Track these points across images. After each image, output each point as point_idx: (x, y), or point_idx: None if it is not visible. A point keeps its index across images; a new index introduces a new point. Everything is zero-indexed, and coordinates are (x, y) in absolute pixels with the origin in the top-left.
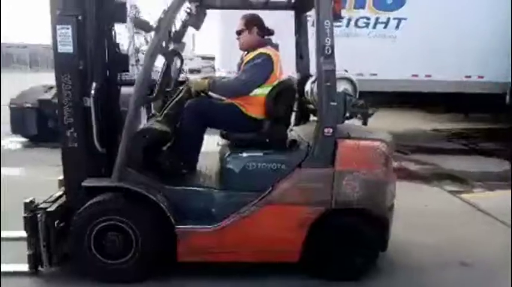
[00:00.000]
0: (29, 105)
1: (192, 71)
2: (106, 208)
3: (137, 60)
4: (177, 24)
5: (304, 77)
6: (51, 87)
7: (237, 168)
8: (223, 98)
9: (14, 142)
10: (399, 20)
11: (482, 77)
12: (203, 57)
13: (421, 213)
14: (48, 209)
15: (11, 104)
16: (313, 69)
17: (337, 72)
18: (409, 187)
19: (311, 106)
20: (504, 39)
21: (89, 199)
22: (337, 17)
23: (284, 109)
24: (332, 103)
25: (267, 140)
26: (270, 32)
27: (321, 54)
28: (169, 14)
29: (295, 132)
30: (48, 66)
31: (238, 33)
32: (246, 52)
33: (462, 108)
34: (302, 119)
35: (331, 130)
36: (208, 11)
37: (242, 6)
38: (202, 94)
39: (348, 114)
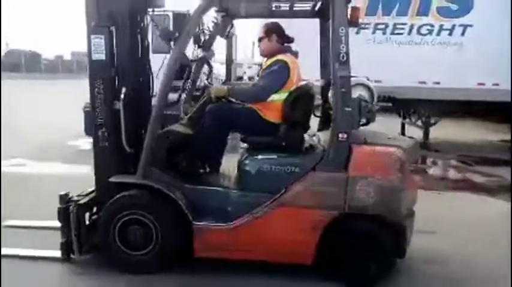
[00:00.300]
0: None
1: (250, 79)
2: (130, 202)
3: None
4: (206, 33)
5: (328, 83)
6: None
7: (252, 170)
8: (242, 103)
9: (87, 143)
10: (465, 26)
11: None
12: (261, 65)
13: (481, 224)
14: (80, 202)
15: (85, 107)
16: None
17: (355, 78)
18: (472, 198)
19: (331, 112)
20: None
21: (116, 194)
22: (355, 24)
23: (301, 114)
24: (347, 109)
25: (284, 144)
26: (290, 40)
27: (336, 60)
28: (190, 24)
29: (317, 137)
30: None
31: (259, 40)
32: (266, 59)
33: None
34: (326, 124)
35: (345, 135)
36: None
37: (266, 15)
38: (223, 100)
39: (364, 120)
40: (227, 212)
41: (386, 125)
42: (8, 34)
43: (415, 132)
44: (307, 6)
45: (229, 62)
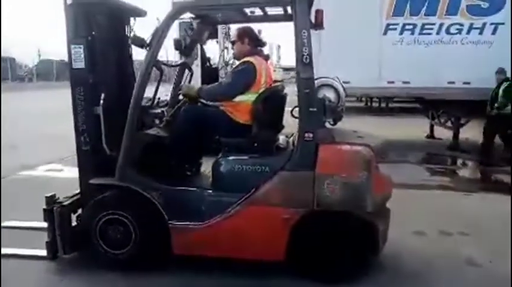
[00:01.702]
0: None
1: (275, 82)
2: (108, 203)
3: (226, 73)
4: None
5: None
6: (151, 100)
7: (224, 170)
8: (215, 104)
9: None
10: (496, 25)
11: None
12: (284, 69)
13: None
14: (63, 203)
15: None
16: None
17: (320, 79)
18: (501, 199)
19: None
20: None
21: (97, 196)
22: (319, 27)
23: (272, 115)
24: (311, 109)
25: (255, 145)
26: (262, 43)
27: (299, 62)
28: (159, 32)
29: (294, 138)
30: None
31: (232, 43)
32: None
33: None
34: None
35: (311, 135)
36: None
37: (242, 20)
38: (195, 101)
39: (331, 121)
40: (201, 211)
41: (415, 126)
42: (40, 43)
43: (444, 133)
44: (280, 10)
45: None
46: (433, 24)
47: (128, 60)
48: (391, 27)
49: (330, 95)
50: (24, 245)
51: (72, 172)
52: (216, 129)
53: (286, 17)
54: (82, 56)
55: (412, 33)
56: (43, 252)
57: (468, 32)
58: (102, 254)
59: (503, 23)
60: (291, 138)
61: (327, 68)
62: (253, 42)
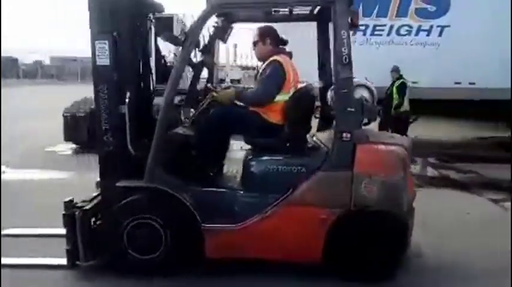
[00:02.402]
0: (81, 114)
1: (232, 81)
2: (138, 206)
3: (182, 71)
4: (206, 37)
5: (326, 85)
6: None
7: (258, 171)
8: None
9: (65, 148)
10: (442, 27)
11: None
12: (243, 68)
13: (460, 220)
14: (85, 208)
15: (64, 113)
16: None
17: (356, 79)
18: (450, 194)
19: (333, 113)
20: None
21: (122, 199)
22: (355, 27)
23: (303, 115)
24: (349, 109)
25: (287, 145)
26: (284, 42)
27: (339, 62)
28: (195, 29)
29: (317, 138)
30: None
31: (254, 44)
32: (262, 63)
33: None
34: (325, 125)
35: (349, 135)
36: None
37: (265, 19)
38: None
39: (366, 120)
40: (235, 213)
41: None
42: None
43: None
44: (306, 10)
45: (211, 64)
46: (384, 25)
47: (148, 58)
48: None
49: (365, 95)
50: (28, 254)
51: (16, 174)
52: (248, 130)
53: (311, 17)
54: (107, 52)
55: (364, 34)
56: (58, 260)
57: (417, 34)
58: (128, 260)
59: (448, 26)
60: (314, 137)
61: None
62: (275, 42)
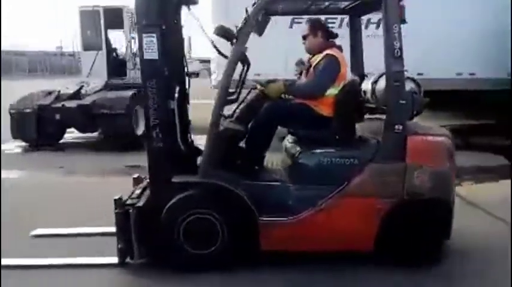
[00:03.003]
0: (28, 110)
1: (190, 75)
2: (194, 201)
3: (135, 65)
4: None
5: (359, 77)
6: (50, 93)
7: (311, 163)
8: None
9: (14, 147)
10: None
11: (474, 74)
12: (201, 61)
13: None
14: (138, 205)
15: (10, 110)
16: (367, 69)
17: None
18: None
19: (368, 105)
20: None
21: (176, 194)
22: (403, 21)
23: (353, 107)
24: (401, 101)
25: (337, 137)
26: (334, 35)
27: (391, 56)
28: (250, 22)
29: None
30: (47, 72)
31: (304, 37)
32: (310, 56)
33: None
34: (360, 116)
35: (401, 127)
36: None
37: (301, 12)
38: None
39: (415, 112)
40: (289, 206)
41: None
42: None
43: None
44: (345, 3)
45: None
46: (336, 18)
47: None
48: (296, 20)
49: (413, 87)
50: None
51: None
52: (298, 123)
53: (344, 10)
54: (155, 46)
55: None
56: (107, 259)
57: (366, 27)
58: (185, 256)
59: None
60: None
61: None
62: (326, 35)
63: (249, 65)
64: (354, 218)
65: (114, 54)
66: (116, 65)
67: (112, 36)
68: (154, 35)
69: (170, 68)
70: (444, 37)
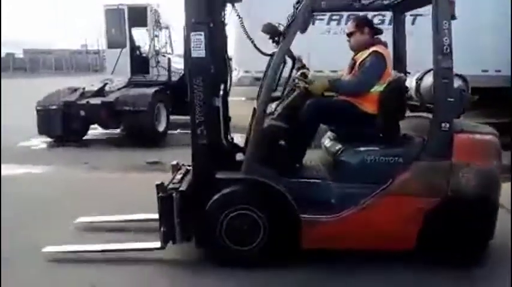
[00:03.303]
0: (54, 107)
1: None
2: (237, 197)
3: (158, 62)
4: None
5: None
6: (75, 90)
7: (355, 161)
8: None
9: (39, 142)
10: (415, 16)
11: (499, 71)
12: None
13: None
14: (181, 189)
15: (37, 106)
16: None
17: None
18: None
19: (410, 102)
20: None
21: (218, 190)
22: (453, 17)
23: (398, 105)
24: (449, 99)
25: (381, 135)
26: (379, 32)
27: (439, 52)
28: (298, 19)
29: None
30: (72, 70)
31: (349, 35)
32: (355, 52)
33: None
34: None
35: (447, 125)
36: None
37: (344, 8)
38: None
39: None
40: (331, 203)
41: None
42: None
43: None
44: (394, 0)
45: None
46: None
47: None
48: (318, 17)
49: (461, 84)
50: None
51: None
52: (341, 120)
53: (387, 7)
54: (203, 44)
55: (339, 24)
56: (150, 244)
57: (390, 23)
58: (226, 251)
59: (421, 15)
60: None
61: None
62: (371, 32)
63: (295, 61)
64: (396, 217)
65: (138, 52)
66: (139, 63)
67: (135, 34)
68: (202, 33)
69: (216, 66)
70: (470, 34)
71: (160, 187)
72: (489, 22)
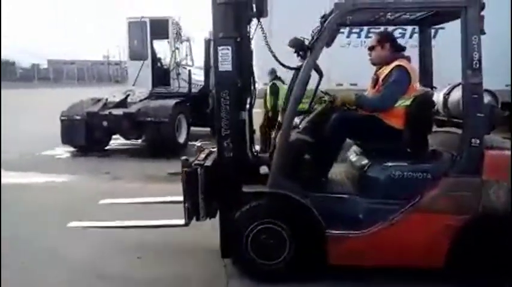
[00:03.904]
0: (78, 117)
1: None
2: (263, 211)
3: (178, 74)
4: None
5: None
6: (98, 100)
7: (382, 177)
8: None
9: (63, 152)
10: (437, 29)
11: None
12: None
13: None
14: (206, 164)
15: (61, 116)
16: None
17: None
18: None
19: (437, 117)
20: None
21: (244, 204)
22: (482, 32)
23: (425, 120)
24: (479, 114)
25: (408, 150)
26: (402, 48)
27: (469, 67)
28: (326, 34)
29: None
30: (94, 80)
31: (370, 49)
32: (378, 67)
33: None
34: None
35: (478, 141)
36: None
37: (369, 23)
38: (345, 108)
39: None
40: (358, 219)
41: None
42: None
43: None
44: (417, 14)
45: (208, 66)
46: (379, 28)
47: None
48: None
49: (491, 100)
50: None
51: (12, 177)
52: (367, 134)
53: (414, 21)
54: (229, 58)
55: (359, 37)
56: (174, 221)
57: (411, 37)
58: (252, 265)
59: (443, 28)
60: None
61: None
62: (393, 47)
63: (321, 75)
64: (425, 234)
65: (159, 63)
66: (160, 75)
67: (156, 46)
68: (229, 47)
69: (242, 80)
70: (494, 48)
71: (185, 163)
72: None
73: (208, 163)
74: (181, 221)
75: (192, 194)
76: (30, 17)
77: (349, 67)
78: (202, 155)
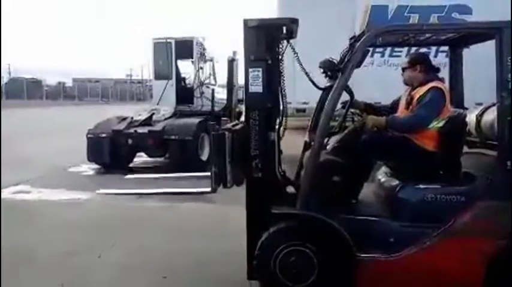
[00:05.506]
0: (104, 135)
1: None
2: (292, 233)
3: (202, 93)
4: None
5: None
6: (124, 119)
7: (414, 199)
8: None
9: (87, 169)
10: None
11: None
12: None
13: None
14: (235, 128)
15: (88, 134)
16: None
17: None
18: None
19: (468, 138)
20: None
21: (273, 225)
22: None
23: (458, 141)
24: None
25: (441, 172)
26: (436, 69)
27: (504, 89)
28: (357, 55)
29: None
30: (117, 98)
31: (404, 69)
32: (411, 88)
33: None
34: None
35: None
36: None
37: (399, 44)
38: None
39: None
40: (388, 243)
41: None
42: (10, 62)
43: None
44: (453, 36)
45: (231, 86)
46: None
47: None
48: None
49: None
50: None
51: (41, 194)
52: (399, 156)
53: (446, 42)
54: (260, 79)
55: (383, 56)
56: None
57: (435, 56)
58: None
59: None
60: None
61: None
62: (426, 69)
63: (352, 96)
64: (459, 259)
65: (183, 83)
66: (184, 93)
67: (181, 66)
68: (260, 69)
69: (272, 101)
70: None
71: (213, 127)
72: None
73: (238, 127)
74: (208, 188)
75: (219, 159)
76: (55, 36)
77: (373, 86)
78: (229, 125)
